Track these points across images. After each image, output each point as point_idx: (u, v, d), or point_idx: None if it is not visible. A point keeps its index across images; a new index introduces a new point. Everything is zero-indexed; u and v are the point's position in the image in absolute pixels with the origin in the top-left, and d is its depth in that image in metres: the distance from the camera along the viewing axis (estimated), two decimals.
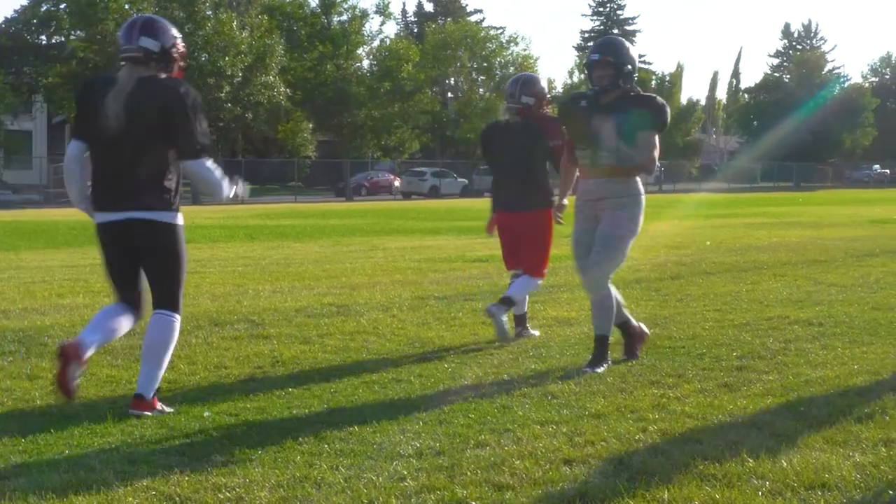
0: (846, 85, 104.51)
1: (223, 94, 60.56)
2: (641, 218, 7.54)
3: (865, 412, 5.80)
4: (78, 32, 65.45)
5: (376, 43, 76.77)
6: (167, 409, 6.05)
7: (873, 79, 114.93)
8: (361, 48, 75.21)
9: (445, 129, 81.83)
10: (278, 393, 6.57)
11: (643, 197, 7.54)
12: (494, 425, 5.62)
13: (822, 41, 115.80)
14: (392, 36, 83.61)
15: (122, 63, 5.99)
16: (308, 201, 57.92)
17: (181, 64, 6.14)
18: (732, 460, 4.81)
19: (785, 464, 4.75)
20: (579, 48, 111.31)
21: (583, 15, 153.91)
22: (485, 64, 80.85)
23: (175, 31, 6.12)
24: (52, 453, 5.14)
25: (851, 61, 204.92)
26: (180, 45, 6.12)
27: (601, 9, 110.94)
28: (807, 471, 4.63)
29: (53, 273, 14.55)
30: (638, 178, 7.49)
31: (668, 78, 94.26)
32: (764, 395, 6.29)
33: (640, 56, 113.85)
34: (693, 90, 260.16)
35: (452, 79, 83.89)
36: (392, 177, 71.58)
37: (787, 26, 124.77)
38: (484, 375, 7.00)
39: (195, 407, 6.16)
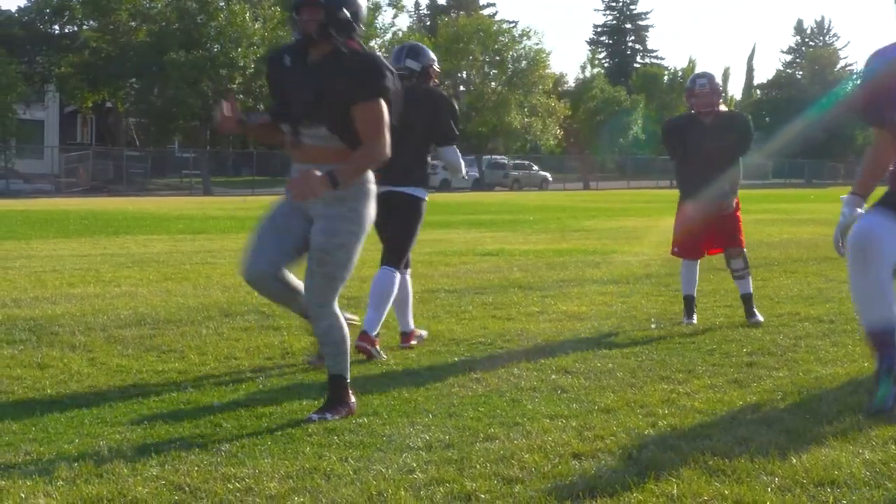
0: (859, 82, 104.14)
1: (235, 86, 60.60)
2: (367, 214, 5.77)
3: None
4: (91, 22, 65.64)
5: (389, 36, 76.66)
6: (383, 355, 7.42)
7: None
8: (374, 41, 75.16)
9: (457, 123, 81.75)
10: (288, 384, 6.58)
11: (370, 186, 5.78)
12: (504, 419, 5.62)
13: (835, 38, 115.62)
14: (405, 29, 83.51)
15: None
16: None
17: (435, 81, 8.05)
18: (742, 456, 4.80)
19: (794, 460, 4.74)
20: (592, 42, 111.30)
21: (595, 9, 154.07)
22: (497, 57, 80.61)
23: (432, 55, 8.14)
24: (61, 442, 5.15)
25: (864, 58, 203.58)
26: (435, 65, 8.08)
27: (614, 3, 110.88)
28: (816, 467, 4.62)
29: (64, 262, 14.58)
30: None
31: (680, 73, 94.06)
32: (774, 392, 6.28)
33: (653, 51, 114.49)
34: None
35: (465, 72, 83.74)
36: None
37: (799, 22, 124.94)
38: (493, 369, 7.00)
39: (205, 397, 6.18)
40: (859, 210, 5.97)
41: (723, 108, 9.32)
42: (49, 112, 69.75)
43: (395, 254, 7.78)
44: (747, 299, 9.17)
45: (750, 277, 9.26)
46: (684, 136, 9.21)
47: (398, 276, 7.74)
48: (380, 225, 7.05)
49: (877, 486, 4.42)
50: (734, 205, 9.19)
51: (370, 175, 5.73)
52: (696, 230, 9.12)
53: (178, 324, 8.88)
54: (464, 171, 8.29)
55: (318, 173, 5.33)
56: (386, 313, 7.58)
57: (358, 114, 5.50)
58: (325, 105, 5.53)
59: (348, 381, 5.76)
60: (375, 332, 7.44)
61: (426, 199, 7.87)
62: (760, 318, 9.04)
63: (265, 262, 5.71)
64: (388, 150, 5.57)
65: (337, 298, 5.69)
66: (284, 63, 5.77)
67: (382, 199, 6.42)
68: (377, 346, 7.45)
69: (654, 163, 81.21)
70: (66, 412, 5.77)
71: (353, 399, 5.77)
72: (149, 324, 8.89)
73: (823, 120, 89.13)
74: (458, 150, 8.11)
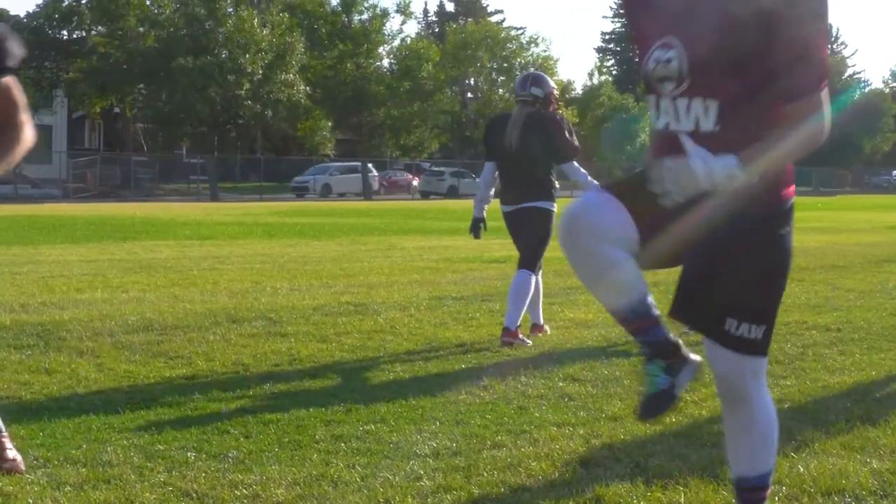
0: (867, 90, 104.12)
1: (243, 92, 60.63)
2: None
3: (883, 418, 5.78)
4: (99, 28, 65.69)
5: (397, 42, 76.73)
6: (527, 341, 8.41)
7: (894, 84, 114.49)
8: (382, 47, 75.15)
9: (465, 130, 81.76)
10: (295, 391, 6.58)
11: None
12: (511, 426, 5.62)
13: (843, 46, 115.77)
14: (413, 35, 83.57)
15: (518, 103, 8.76)
16: (327, 199, 57.97)
17: (554, 105, 8.87)
18: None
19: (802, 469, 4.74)
20: (600, 50, 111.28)
21: (603, 17, 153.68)
22: (505, 64, 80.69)
23: (552, 83, 8.91)
24: (69, 448, 5.15)
25: (872, 66, 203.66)
26: (555, 91, 8.89)
27: (623, 10, 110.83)
28: (824, 476, 4.62)
29: (72, 268, 14.60)
30: None
31: None
32: (781, 401, 6.27)
33: None
34: None
35: (472, 79, 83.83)
36: (410, 176, 71.55)
37: None
38: (501, 376, 6.99)
39: (213, 403, 6.18)
40: None
41: None
42: (57, 117, 69.84)
43: (531, 259, 8.57)
44: None
45: None
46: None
47: (534, 278, 8.56)
48: (515, 235, 8.74)
49: (885, 495, 4.42)
50: None
51: None
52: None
53: (185, 330, 8.89)
54: (591, 183, 8.81)
55: None
56: (524, 310, 8.49)
57: None
58: None
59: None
60: (517, 326, 8.36)
61: (555, 210, 8.53)
62: None
63: None
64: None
65: None
66: None
67: (515, 214, 8.59)
68: (520, 336, 8.40)
69: None
70: (73, 418, 5.77)
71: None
72: (156, 329, 8.89)
73: (830, 128, 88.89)
74: (577, 165, 8.87)
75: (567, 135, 8.67)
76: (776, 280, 3.54)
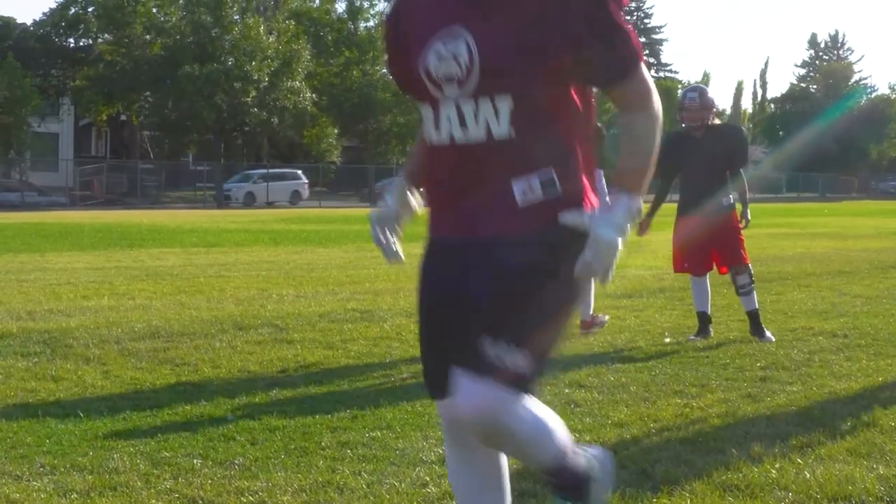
0: (873, 95, 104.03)
1: (249, 99, 60.78)
2: None
3: (890, 424, 5.77)
4: (105, 36, 65.87)
5: None
6: (604, 318, 9.45)
7: None
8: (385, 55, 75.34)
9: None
10: (301, 397, 6.58)
11: None
12: None
13: (849, 51, 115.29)
14: None
15: None
16: (332, 206, 57.97)
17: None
18: (755, 471, 4.79)
19: (808, 475, 4.73)
20: None
21: None
22: None
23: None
24: (75, 455, 5.16)
25: (879, 72, 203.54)
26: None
27: (628, 17, 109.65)
28: (830, 483, 4.61)
29: (79, 275, 14.62)
30: None
31: None
32: (787, 406, 6.27)
33: (667, 65, 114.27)
34: (719, 99, 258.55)
35: None
36: None
37: (813, 36, 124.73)
38: None
39: (219, 410, 6.19)
40: None
41: (717, 121, 9.22)
42: (64, 125, 70.03)
43: None
44: (753, 316, 9.07)
45: (755, 294, 9.14)
46: (676, 152, 9.12)
47: None
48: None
49: (891, 501, 4.41)
50: (734, 216, 9.09)
51: None
52: (699, 245, 9.05)
53: (191, 337, 8.90)
54: (605, 192, 9.12)
55: None
56: (592, 300, 9.30)
57: None
58: None
59: None
60: (590, 315, 9.21)
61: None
62: (770, 336, 8.93)
63: None
64: None
65: None
66: None
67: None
68: (596, 319, 9.29)
69: None
70: (80, 425, 5.78)
71: None
72: (162, 337, 8.90)
73: (837, 133, 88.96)
74: (601, 175, 8.98)
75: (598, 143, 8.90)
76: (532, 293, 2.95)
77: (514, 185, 2.94)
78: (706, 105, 9.01)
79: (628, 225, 2.95)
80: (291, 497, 4.46)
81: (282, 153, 77.36)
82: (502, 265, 2.92)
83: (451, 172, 3.02)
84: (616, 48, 2.92)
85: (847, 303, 11.51)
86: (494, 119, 2.92)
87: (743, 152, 9.18)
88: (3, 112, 58.78)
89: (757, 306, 9.11)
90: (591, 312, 9.31)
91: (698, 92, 9.16)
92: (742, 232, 9.16)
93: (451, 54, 2.93)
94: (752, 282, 9.15)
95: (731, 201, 9.09)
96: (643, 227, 9.14)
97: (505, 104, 2.90)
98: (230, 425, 5.80)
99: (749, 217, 9.18)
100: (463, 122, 2.95)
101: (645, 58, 3.02)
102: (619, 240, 2.92)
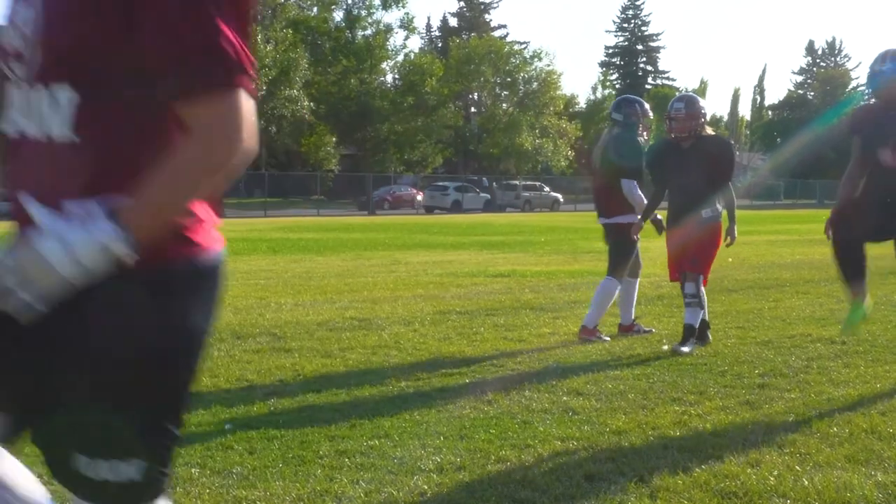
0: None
1: None
2: None
3: (888, 431, 5.78)
4: None
5: (400, 57, 76.96)
6: (605, 338, 9.30)
7: None
8: (385, 62, 75.43)
9: (468, 144, 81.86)
10: (299, 406, 6.58)
11: None
12: (515, 441, 5.62)
13: (847, 58, 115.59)
14: (416, 50, 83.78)
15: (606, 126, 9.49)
16: (331, 215, 57.96)
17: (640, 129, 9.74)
18: (754, 478, 4.79)
19: (806, 482, 4.73)
20: (603, 64, 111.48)
21: (607, 31, 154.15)
22: (508, 79, 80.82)
23: (639, 108, 9.86)
24: None
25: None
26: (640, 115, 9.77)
27: (626, 25, 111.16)
28: (828, 489, 4.61)
29: None
30: None
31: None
32: (786, 413, 6.27)
33: (664, 72, 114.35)
34: (717, 106, 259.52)
35: (476, 93, 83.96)
36: (414, 191, 71.64)
37: (811, 43, 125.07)
38: (505, 391, 6.99)
39: (217, 419, 6.18)
40: None
41: (709, 131, 9.16)
42: None
43: (610, 267, 9.61)
44: (686, 329, 8.79)
45: (699, 311, 8.88)
46: (663, 161, 9.08)
47: (617, 284, 9.50)
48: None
49: None
50: (715, 230, 8.93)
51: None
52: (684, 255, 8.98)
53: None
54: (641, 205, 9.45)
55: None
56: (603, 312, 9.47)
57: None
58: None
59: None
60: (594, 325, 9.36)
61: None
62: (687, 349, 8.62)
63: None
64: None
65: None
66: None
67: (605, 228, 9.69)
68: (598, 334, 9.35)
69: None
70: None
71: None
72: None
73: (834, 140, 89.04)
74: (634, 185, 9.47)
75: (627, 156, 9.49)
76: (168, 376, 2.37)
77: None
78: (693, 115, 8.93)
79: (88, 250, 2.05)
80: None
81: (280, 161, 77.42)
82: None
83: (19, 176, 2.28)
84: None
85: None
86: (54, 114, 2.17)
87: (728, 166, 9.01)
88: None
89: (695, 323, 8.84)
90: (631, 319, 9.85)
91: (685, 102, 9.08)
92: (717, 249, 9.02)
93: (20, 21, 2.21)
94: (699, 297, 8.87)
95: (713, 214, 8.92)
96: (634, 230, 9.19)
97: (65, 97, 2.16)
98: (228, 434, 5.80)
99: (735, 234, 8.96)
100: (27, 114, 2.21)
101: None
102: (59, 258, 2.04)
